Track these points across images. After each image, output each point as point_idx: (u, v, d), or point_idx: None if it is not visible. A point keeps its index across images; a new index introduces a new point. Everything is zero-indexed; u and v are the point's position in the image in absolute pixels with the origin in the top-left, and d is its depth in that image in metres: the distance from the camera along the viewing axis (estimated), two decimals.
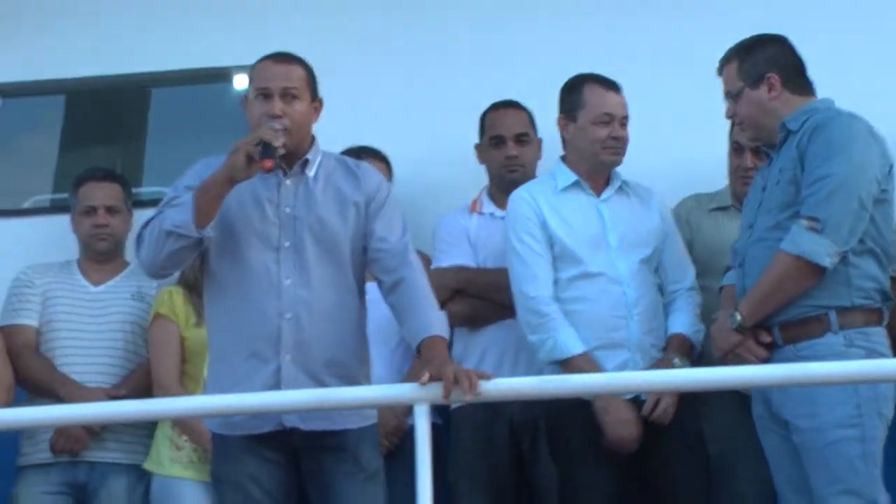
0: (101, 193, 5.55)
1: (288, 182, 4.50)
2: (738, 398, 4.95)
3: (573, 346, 4.88)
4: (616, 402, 4.82)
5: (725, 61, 4.82)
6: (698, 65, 5.03)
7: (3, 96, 6.09)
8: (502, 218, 5.29)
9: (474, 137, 5.50)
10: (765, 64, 4.73)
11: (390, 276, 4.44)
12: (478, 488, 5.14)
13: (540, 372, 5.05)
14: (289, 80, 4.49)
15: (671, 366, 4.79)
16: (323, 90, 4.67)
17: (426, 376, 4.12)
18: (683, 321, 5.03)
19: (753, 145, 5.07)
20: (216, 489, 4.51)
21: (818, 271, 4.52)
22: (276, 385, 4.35)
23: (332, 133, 4.82)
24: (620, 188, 5.13)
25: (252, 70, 4.58)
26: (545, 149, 5.46)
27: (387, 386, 4.61)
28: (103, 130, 6.20)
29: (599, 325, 4.95)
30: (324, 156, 4.58)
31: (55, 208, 5.93)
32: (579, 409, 4.80)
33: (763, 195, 4.72)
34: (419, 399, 3.92)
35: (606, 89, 5.08)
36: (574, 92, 5.10)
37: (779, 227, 4.60)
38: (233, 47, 5.87)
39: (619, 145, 5.07)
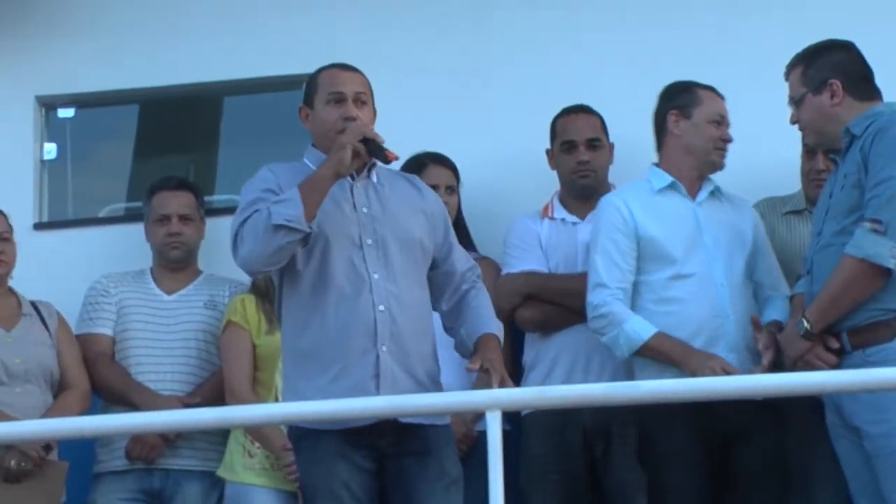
0: (175, 202, 5.56)
1: (359, 185, 4.54)
2: (811, 405, 4.87)
3: (643, 330, 4.87)
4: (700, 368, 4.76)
5: (791, 67, 4.80)
6: (770, 67, 4.95)
7: (78, 106, 6.12)
8: (574, 223, 5.30)
9: (544, 142, 5.45)
10: (828, 70, 4.71)
11: (458, 293, 4.60)
12: (551, 494, 5.12)
13: (613, 376, 5.05)
14: (360, 85, 4.57)
15: (797, 328, 4.65)
16: (390, 96, 4.70)
17: (477, 363, 4.29)
18: (781, 311, 4.95)
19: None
20: (307, 495, 4.46)
21: (883, 273, 4.48)
22: (376, 376, 4.37)
23: (400, 139, 4.76)
24: (713, 193, 5.09)
25: (316, 78, 4.61)
26: (617, 153, 5.44)
27: (460, 393, 4.57)
28: (176, 139, 6.22)
29: (696, 325, 4.91)
30: (378, 164, 4.63)
31: (129, 217, 5.95)
32: (669, 412, 4.73)
33: (830, 201, 4.68)
34: (492, 406, 3.87)
35: (716, 94, 5.08)
36: (687, 91, 5.06)
37: (844, 233, 4.57)
38: (303, 55, 5.85)
39: (726, 149, 5.05)
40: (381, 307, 4.41)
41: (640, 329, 4.87)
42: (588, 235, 5.24)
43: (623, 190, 5.13)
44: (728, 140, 5.04)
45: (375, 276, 4.44)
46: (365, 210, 4.50)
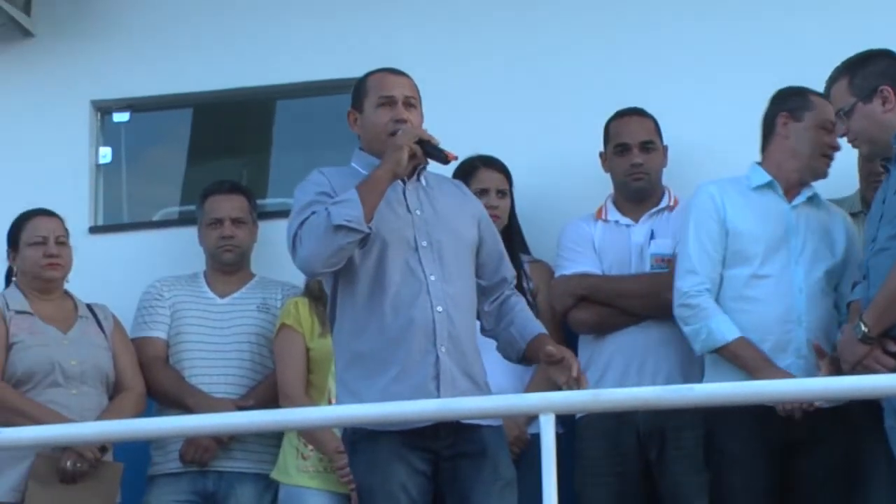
0: (227, 206, 5.55)
1: (410, 188, 4.54)
2: (869, 409, 4.78)
3: (728, 331, 4.84)
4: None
5: (833, 80, 4.75)
6: (826, 66, 4.89)
7: (132, 110, 6.13)
8: (627, 226, 5.28)
9: (597, 145, 5.40)
10: (876, 77, 4.67)
11: (501, 297, 4.61)
12: (605, 497, 5.09)
13: (667, 379, 5.02)
14: (409, 89, 4.58)
15: (854, 333, 4.59)
16: (442, 99, 4.73)
17: (553, 349, 4.36)
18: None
19: None
20: (363, 497, 4.42)
21: None
22: (437, 377, 4.37)
23: (452, 143, 4.73)
24: (811, 199, 5.04)
25: (365, 82, 4.61)
26: (671, 156, 5.40)
27: (514, 396, 4.59)
28: (230, 142, 6.23)
29: (768, 327, 4.88)
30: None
31: (183, 220, 5.95)
32: (736, 415, 4.74)
33: (883, 207, 4.64)
34: (546, 409, 3.84)
35: (828, 102, 4.96)
36: (800, 95, 5.00)
37: None
38: (355, 59, 5.83)
39: (832, 157, 4.98)
40: (440, 308, 4.41)
41: (724, 330, 4.85)
42: (641, 238, 5.24)
43: (720, 180, 5.07)
44: (836, 148, 4.96)
45: (432, 277, 4.43)
46: (419, 212, 4.49)
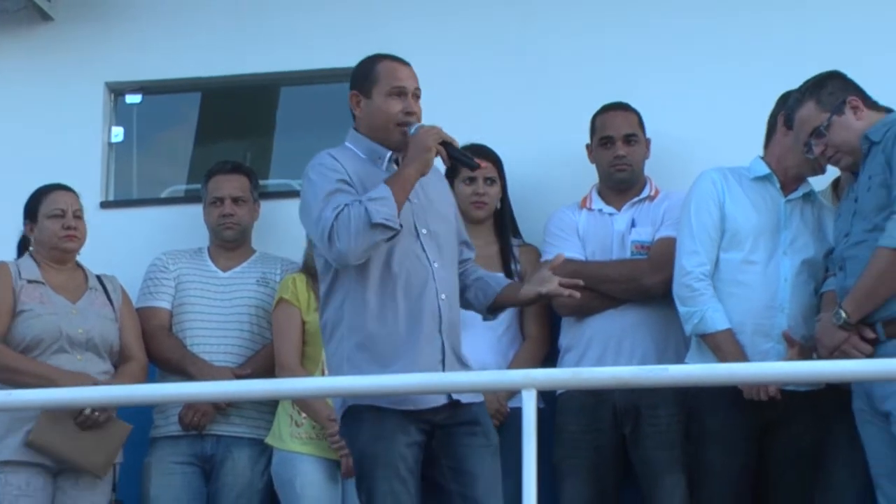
0: (229, 185, 5.51)
1: None
2: (837, 392, 4.77)
3: (718, 322, 4.83)
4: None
5: (799, 105, 4.72)
6: (812, 65, 4.86)
7: (144, 93, 6.08)
8: (610, 214, 5.26)
9: (585, 137, 5.36)
10: (840, 91, 4.67)
11: (469, 268, 4.60)
12: (582, 469, 5.07)
13: (643, 360, 5.02)
14: (416, 81, 4.50)
15: (834, 319, 4.58)
16: (437, 89, 4.64)
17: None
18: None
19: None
20: (365, 464, 4.37)
21: None
22: (443, 360, 4.35)
23: (449, 131, 4.64)
24: (807, 195, 5.01)
25: (374, 68, 4.49)
26: (654, 148, 5.35)
27: (498, 371, 4.59)
28: (235, 126, 6.19)
29: (753, 311, 4.87)
30: None
31: (189, 198, 5.90)
32: (717, 395, 4.76)
33: (856, 205, 4.63)
34: (528, 385, 3.84)
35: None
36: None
37: (876, 229, 4.52)
38: (354, 49, 5.79)
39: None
40: (443, 296, 4.39)
41: (717, 319, 4.84)
42: (623, 226, 5.22)
43: (722, 169, 5.04)
44: (829, 157, 4.82)
45: (435, 265, 4.40)
46: (416, 201, 4.43)
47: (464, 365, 4.43)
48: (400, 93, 4.43)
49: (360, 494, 4.35)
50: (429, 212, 4.45)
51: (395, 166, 4.44)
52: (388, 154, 4.45)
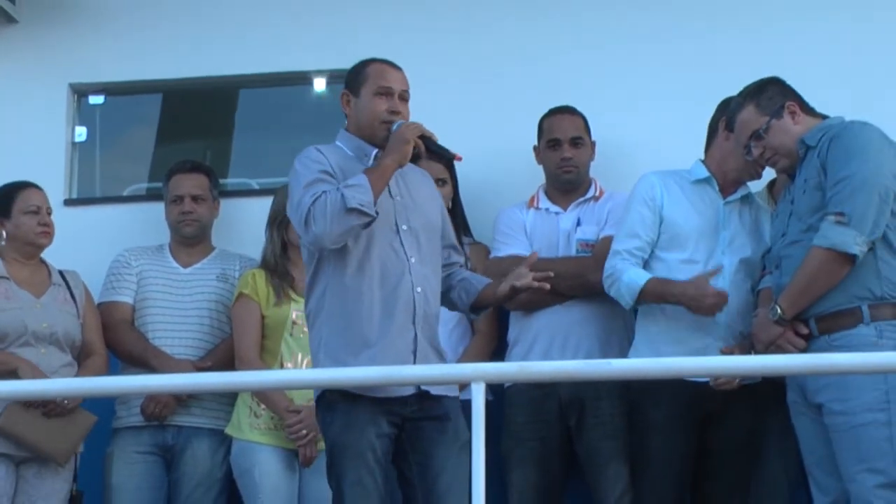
0: (188, 183, 5.50)
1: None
2: (772, 384, 4.81)
3: (638, 277, 4.86)
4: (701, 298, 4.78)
5: (739, 108, 4.75)
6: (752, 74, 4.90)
7: (107, 94, 6.07)
8: (556, 213, 5.28)
9: (532, 139, 5.39)
10: (779, 96, 4.71)
11: (455, 270, 4.62)
12: (528, 459, 5.08)
13: (588, 354, 5.04)
14: (405, 84, 4.54)
15: (770, 315, 4.62)
16: None
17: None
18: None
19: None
20: (335, 453, 4.40)
21: (849, 260, 4.48)
22: (414, 352, 4.38)
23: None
24: (745, 198, 5.05)
25: (364, 69, 4.55)
26: (598, 150, 5.39)
27: (449, 365, 4.58)
28: (195, 126, 6.17)
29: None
30: None
31: (151, 196, 5.89)
32: (658, 388, 4.79)
33: (792, 206, 4.67)
34: (477, 378, 3.84)
35: None
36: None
37: (811, 230, 4.56)
38: (313, 54, 5.83)
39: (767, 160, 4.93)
40: (419, 289, 4.41)
41: (636, 277, 4.87)
42: (569, 225, 5.24)
43: (663, 172, 5.07)
44: (768, 159, 4.84)
45: (412, 259, 4.42)
46: (399, 198, 4.47)
47: (440, 357, 4.45)
48: (386, 93, 4.48)
49: (331, 482, 4.38)
50: (411, 210, 4.48)
51: None
52: (374, 151, 4.49)
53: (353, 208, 4.28)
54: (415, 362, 4.37)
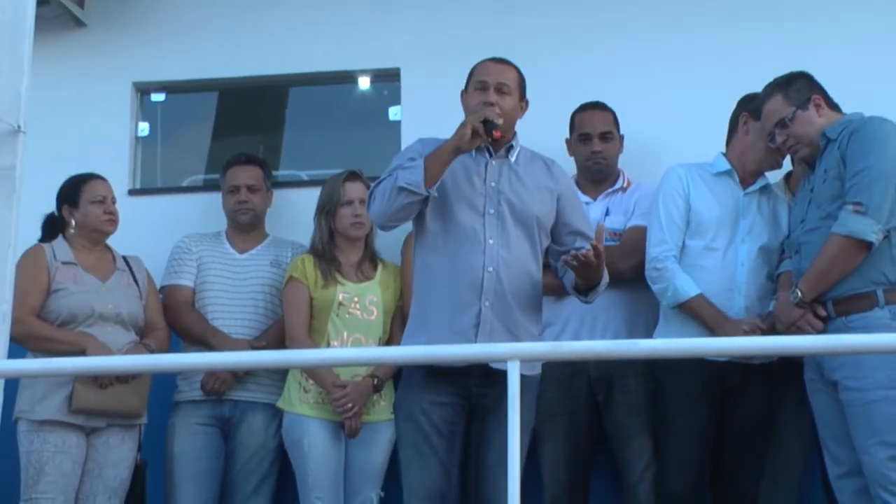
0: (244, 175, 5.53)
1: (493, 163, 4.57)
2: (789, 362, 4.82)
3: (689, 289, 4.85)
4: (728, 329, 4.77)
5: (768, 97, 4.76)
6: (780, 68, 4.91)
7: (167, 92, 6.10)
8: (587, 203, 5.24)
9: (564, 132, 5.40)
10: (806, 90, 4.72)
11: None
12: (558, 432, 5.09)
13: (615, 335, 5.06)
14: (503, 77, 4.57)
15: (790, 298, 4.62)
16: (428, 90, 4.87)
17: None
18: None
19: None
20: (396, 415, 4.53)
21: (866, 247, 4.48)
22: (476, 326, 4.43)
23: (450, 131, 4.77)
24: (764, 188, 5.05)
25: (474, 68, 4.64)
26: (626, 144, 5.39)
27: (485, 345, 4.54)
28: (249, 122, 6.20)
29: (713, 292, 4.88)
30: (522, 148, 4.65)
31: (208, 187, 5.93)
32: (680, 367, 4.80)
33: (811, 194, 4.68)
34: (512, 357, 3.85)
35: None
36: (759, 99, 4.94)
37: (829, 217, 4.57)
38: (357, 54, 5.85)
39: (785, 154, 4.94)
40: (490, 268, 4.45)
41: (687, 287, 4.86)
42: (598, 214, 5.23)
43: (688, 164, 5.07)
44: (790, 147, 4.84)
45: (491, 241, 4.47)
46: (493, 184, 4.52)
47: (511, 336, 4.45)
48: (483, 87, 4.55)
49: (398, 442, 4.52)
50: (507, 196, 4.51)
51: (481, 154, 4.53)
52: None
53: (401, 187, 4.35)
54: (476, 336, 4.41)
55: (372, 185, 4.52)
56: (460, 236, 4.46)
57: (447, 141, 4.44)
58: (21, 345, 5.00)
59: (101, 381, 5.06)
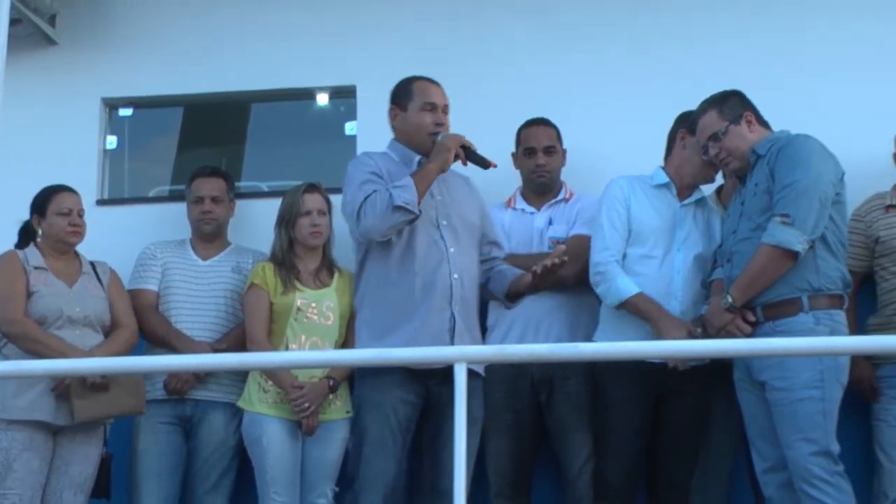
0: (208, 186, 5.53)
1: None
2: (718, 366, 4.87)
3: (630, 288, 4.86)
4: (668, 331, 4.77)
5: (702, 113, 4.81)
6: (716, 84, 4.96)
7: (134, 107, 6.11)
8: (531, 213, 5.31)
9: (510, 146, 5.42)
10: (739, 106, 4.77)
11: (495, 263, 4.74)
12: (503, 430, 5.11)
13: (557, 338, 5.07)
14: (445, 98, 4.70)
15: (721, 303, 4.65)
16: (381, 101, 4.79)
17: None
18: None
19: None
20: (362, 409, 4.52)
21: (792, 256, 4.54)
22: (451, 330, 4.50)
23: (385, 139, 4.82)
24: (699, 201, 5.08)
25: (410, 87, 4.68)
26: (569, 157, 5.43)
27: (434, 347, 4.56)
28: (212, 136, 6.22)
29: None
30: None
31: (173, 197, 5.93)
32: (618, 369, 4.84)
33: (742, 207, 4.73)
34: (460, 359, 3.87)
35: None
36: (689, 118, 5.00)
37: (759, 228, 4.62)
38: (315, 72, 5.87)
39: (718, 168, 4.97)
40: (456, 275, 4.53)
41: (627, 287, 4.86)
42: (542, 223, 5.27)
43: (629, 176, 5.09)
44: (721, 160, 4.88)
45: (451, 250, 4.55)
46: (439, 198, 4.59)
47: (474, 338, 4.56)
48: (432, 108, 4.62)
49: (353, 436, 4.52)
50: (451, 208, 4.61)
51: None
52: (418, 158, 4.61)
53: (399, 206, 4.41)
54: (451, 340, 4.47)
55: (353, 198, 4.49)
56: (426, 247, 4.52)
57: (430, 163, 4.51)
58: (14, 343, 5.03)
59: (92, 386, 5.01)
